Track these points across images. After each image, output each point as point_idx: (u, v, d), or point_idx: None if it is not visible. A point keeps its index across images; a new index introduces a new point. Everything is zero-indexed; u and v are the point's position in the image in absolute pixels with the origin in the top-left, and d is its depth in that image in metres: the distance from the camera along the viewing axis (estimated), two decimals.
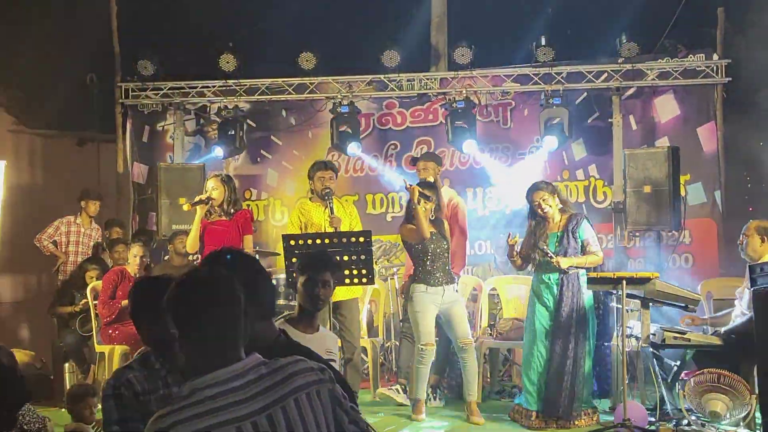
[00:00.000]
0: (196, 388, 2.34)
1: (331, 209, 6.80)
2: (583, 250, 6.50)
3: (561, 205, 6.61)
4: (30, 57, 10.00)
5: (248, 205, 10.35)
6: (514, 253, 6.58)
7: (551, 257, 6.36)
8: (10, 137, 10.71)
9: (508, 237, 6.58)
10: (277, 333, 3.06)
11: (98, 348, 7.73)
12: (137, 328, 3.41)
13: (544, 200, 6.54)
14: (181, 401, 2.33)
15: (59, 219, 9.19)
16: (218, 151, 9.85)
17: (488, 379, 7.90)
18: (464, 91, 9.60)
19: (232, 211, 7.08)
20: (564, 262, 6.37)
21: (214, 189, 7.04)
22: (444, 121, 9.79)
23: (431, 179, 7.27)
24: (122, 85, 10.16)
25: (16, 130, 10.82)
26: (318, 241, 6.16)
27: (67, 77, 10.32)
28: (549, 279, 6.50)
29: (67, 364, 8.17)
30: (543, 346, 6.47)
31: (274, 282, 8.76)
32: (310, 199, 7.19)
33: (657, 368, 6.49)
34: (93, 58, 10.39)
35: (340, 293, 6.42)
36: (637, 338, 6.76)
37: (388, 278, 8.89)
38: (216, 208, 7.06)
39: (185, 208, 7.31)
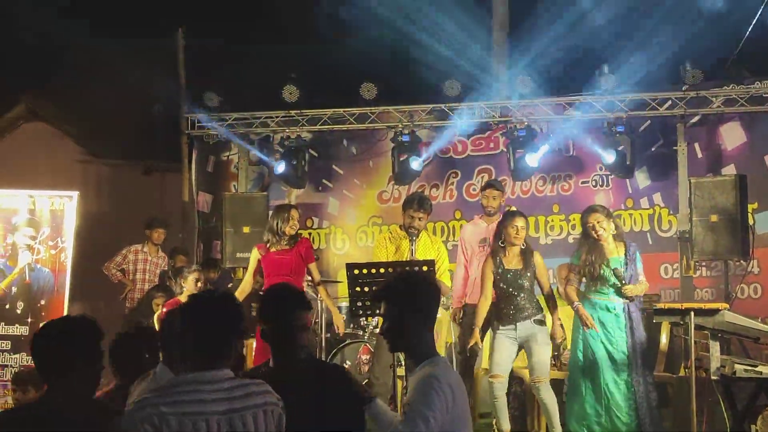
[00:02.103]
0: (177, 382, 2.85)
1: (412, 251, 6.74)
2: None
3: (615, 231, 6.51)
4: (99, 89, 10.32)
5: (309, 234, 10.49)
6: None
7: (625, 283, 6.26)
8: (80, 167, 11.02)
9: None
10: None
11: None
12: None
13: (599, 222, 6.44)
14: (163, 390, 2.83)
15: (127, 247, 9.39)
16: (279, 168, 9.94)
17: None
18: (526, 120, 9.58)
19: (294, 241, 7.14)
20: (631, 290, 6.29)
21: (298, 220, 7.15)
22: (505, 150, 9.78)
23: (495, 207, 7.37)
24: (188, 116, 10.38)
25: (84, 161, 11.13)
26: (382, 270, 6.15)
27: (134, 108, 10.60)
28: (614, 308, 6.38)
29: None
30: (611, 377, 6.32)
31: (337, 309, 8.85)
32: (400, 226, 7.10)
33: (727, 401, 6.34)
34: (160, 90, 10.65)
35: None
36: (706, 370, 6.61)
37: (450, 306, 8.85)
38: (279, 237, 7.10)
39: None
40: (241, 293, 7.01)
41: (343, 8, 10.36)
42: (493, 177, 9.88)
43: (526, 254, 6.58)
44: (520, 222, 6.53)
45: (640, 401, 6.23)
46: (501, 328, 6.48)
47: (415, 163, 9.71)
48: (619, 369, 6.32)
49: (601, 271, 6.35)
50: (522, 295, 6.49)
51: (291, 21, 10.99)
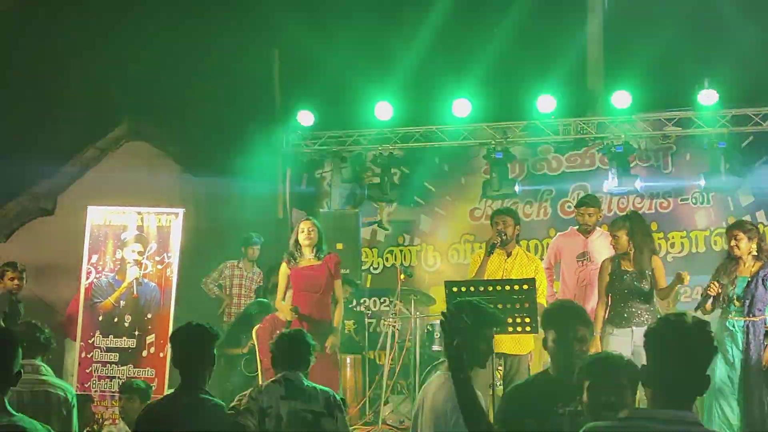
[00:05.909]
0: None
1: (490, 252, 6.61)
2: None
3: (756, 252, 6.32)
4: (197, 109, 10.57)
5: (401, 251, 10.55)
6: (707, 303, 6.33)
7: (733, 301, 6.13)
8: (179, 185, 11.29)
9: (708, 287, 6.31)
10: None
11: None
12: None
13: (737, 238, 6.30)
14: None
15: (223, 263, 9.60)
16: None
17: None
18: (623, 136, 9.41)
19: (322, 255, 7.14)
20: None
21: (311, 230, 7.13)
22: (601, 166, 9.65)
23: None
24: (283, 135, 10.56)
25: (184, 179, 11.39)
26: (481, 288, 6.10)
27: (231, 127, 10.82)
28: (733, 326, 6.21)
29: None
30: (727, 404, 6.15)
31: (429, 328, 8.80)
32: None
33: None
34: (256, 108, 10.86)
35: (506, 345, 6.32)
36: None
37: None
38: (305, 251, 7.11)
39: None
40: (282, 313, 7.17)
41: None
42: (588, 193, 9.76)
43: (638, 258, 6.49)
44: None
45: (756, 421, 6.03)
46: (615, 331, 6.35)
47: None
48: (734, 389, 6.15)
49: (727, 290, 6.21)
50: (639, 299, 6.38)
51: (384, 40, 11.07)
